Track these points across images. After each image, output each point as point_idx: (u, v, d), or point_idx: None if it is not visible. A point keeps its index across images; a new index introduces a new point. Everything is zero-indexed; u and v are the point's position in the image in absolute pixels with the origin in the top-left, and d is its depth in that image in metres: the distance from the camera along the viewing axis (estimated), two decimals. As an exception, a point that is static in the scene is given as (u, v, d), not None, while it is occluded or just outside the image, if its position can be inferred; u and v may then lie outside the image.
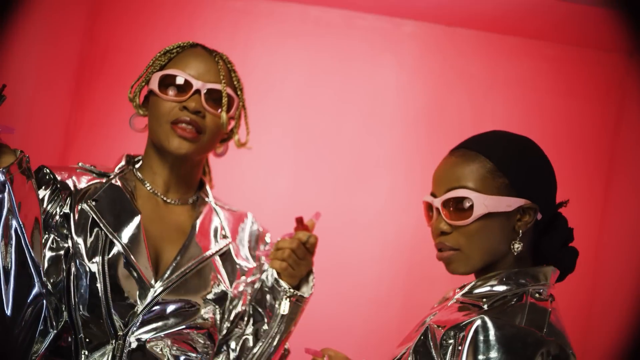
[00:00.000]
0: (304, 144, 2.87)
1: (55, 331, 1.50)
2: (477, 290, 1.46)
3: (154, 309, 1.54)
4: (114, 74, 2.87)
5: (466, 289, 1.48)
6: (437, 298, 2.86)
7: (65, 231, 1.54)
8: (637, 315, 2.44)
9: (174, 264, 1.58)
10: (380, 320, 2.88)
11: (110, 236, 1.53)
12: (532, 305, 1.40)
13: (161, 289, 1.55)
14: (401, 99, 2.92)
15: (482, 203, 1.43)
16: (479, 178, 1.46)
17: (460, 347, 1.34)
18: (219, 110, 1.61)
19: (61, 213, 1.55)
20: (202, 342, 1.59)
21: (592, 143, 2.89)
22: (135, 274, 1.54)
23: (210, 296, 1.60)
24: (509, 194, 1.45)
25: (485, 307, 1.41)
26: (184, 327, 1.56)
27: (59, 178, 1.58)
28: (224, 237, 1.66)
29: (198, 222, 1.64)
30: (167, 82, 1.61)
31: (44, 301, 1.41)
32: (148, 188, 1.65)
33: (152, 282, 1.54)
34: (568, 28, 2.65)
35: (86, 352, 1.52)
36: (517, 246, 1.46)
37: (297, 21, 2.90)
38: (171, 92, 1.60)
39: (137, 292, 1.54)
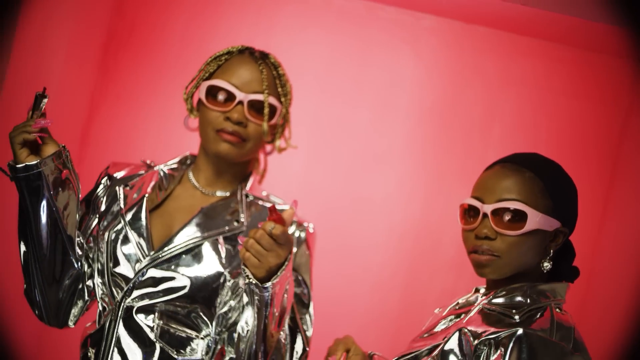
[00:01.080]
0: (319, 130, 2.96)
1: (88, 298, 1.75)
2: (502, 300, 1.55)
3: (144, 280, 1.69)
4: (140, 48, 2.96)
5: (491, 297, 1.56)
6: (437, 286, 2.96)
7: (98, 213, 1.75)
8: (630, 325, 2.54)
9: (167, 241, 1.71)
10: (381, 304, 2.98)
11: (120, 214, 1.72)
12: (559, 320, 1.50)
13: (148, 262, 1.69)
14: (416, 90, 3.00)
15: (535, 219, 1.53)
16: (532, 195, 1.55)
17: (494, 357, 1.43)
18: (262, 119, 1.72)
19: (101, 198, 1.77)
20: (193, 318, 1.70)
21: (596, 147, 2.97)
22: (131, 248, 1.70)
23: (202, 274, 1.69)
24: (552, 215, 1.55)
25: (517, 318, 1.50)
26: (171, 300, 1.68)
27: (113, 171, 1.80)
28: (237, 221, 1.75)
29: (208, 206, 1.75)
30: (213, 91, 1.73)
31: (79, 272, 1.70)
32: (192, 182, 1.80)
33: (143, 256, 1.69)
34: (581, 33, 2.72)
35: (101, 317, 1.72)
36: (547, 265, 1.58)
37: (321, 10, 2.97)
38: (217, 101, 1.73)
39: (131, 265, 1.70)
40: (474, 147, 3.00)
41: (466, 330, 1.50)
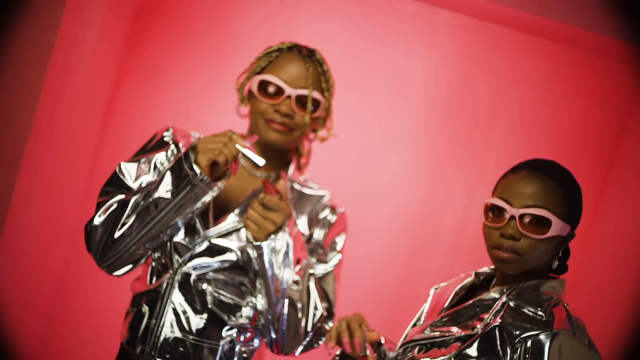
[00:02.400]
0: (334, 113, 3.10)
1: (143, 261, 1.91)
2: (527, 296, 1.68)
3: (201, 251, 1.86)
4: (167, 23, 3.07)
5: (514, 292, 1.69)
6: (434, 268, 3.12)
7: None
8: (616, 317, 2.69)
9: (223, 217, 1.89)
10: (380, 281, 3.14)
11: None
12: (575, 318, 1.66)
13: (206, 235, 1.86)
14: (427, 81, 3.13)
15: (557, 227, 1.67)
16: (556, 204, 1.68)
17: (522, 354, 1.59)
18: (305, 111, 1.89)
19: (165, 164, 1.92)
20: (241, 287, 1.89)
21: (594, 146, 3.12)
22: (192, 221, 1.87)
23: (249, 248, 1.87)
24: (567, 222, 1.69)
25: (543, 315, 1.64)
26: (224, 270, 1.87)
27: (177, 138, 1.95)
28: None
29: (258, 188, 1.91)
30: (264, 85, 1.89)
31: None
32: (241, 162, 1.94)
33: (202, 229, 1.86)
34: (587, 37, 2.85)
35: (155, 278, 1.89)
36: (555, 263, 1.73)
37: None
38: (267, 94, 1.89)
39: (191, 235, 1.86)
40: (479, 139, 3.16)
41: (503, 327, 1.63)
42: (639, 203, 2.84)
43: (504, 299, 1.69)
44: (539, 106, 3.15)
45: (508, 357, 1.61)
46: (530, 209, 1.67)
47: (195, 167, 1.74)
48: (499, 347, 1.63)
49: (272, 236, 1.77)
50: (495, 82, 3.14)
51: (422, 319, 1.85)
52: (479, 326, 1.66)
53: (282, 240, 1.79)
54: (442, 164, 3.17)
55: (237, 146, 1.77)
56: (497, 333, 1.63)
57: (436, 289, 1.89)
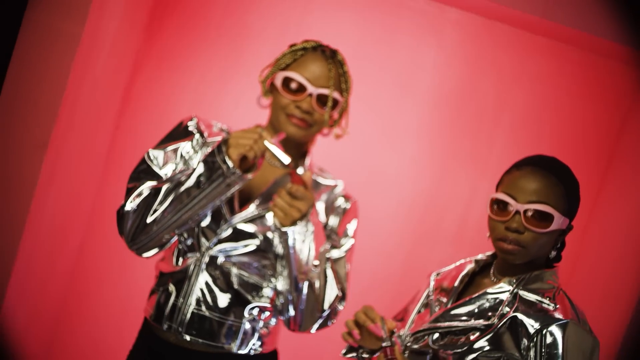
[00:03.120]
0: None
1: (170, 244, 2.02)
2: (536, 286, 1.80)
3: (227, 235, 1.99)
4: (183, 15, 3.15)
5: (523, 282, 1.80)
6: (437, 257, 3.21)
7: (188, 167, 2.02)
8: (609, 305, 2.78)
9: (248, 205, 2.00)
10: (384, 269, 3.23)
11: None
12: (577, 306, 1.79)
13: (232, 221, 1.98)
14: (435, 76, 3.22)
15: (558, 221, 1.78)
16: (558, 200, 1.79)
17: (542, 345, 1.71)
18: (325, 110, 1.99)
19: (191, 152, 2.04)
20: (264, 269, 2.01)
21: (594, 143, 3.21)
22: (219, 207, 1.98)
23: (272, 235, 1.99)
24: (566, 216, 1.81)
25: (552, 306, 1.75)
26: (248, 254, 1.99)
27: (202, 128, 2.05)
28: None
29: (279, 178, 2.02)
30: (288, 82, 1.99)
31: None
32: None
33: (229, 216, 1.98)
34: (590, 38, 2.94)
35: (181, 259, 2.01)
36: (554, 253, 1.85)
37: None
38: (290, 90, 1.98)
39: (217, 221, 1.98)
40: (483, 133, 3.24)
41: (519, 319, 1.74)
42: (636, 198, 2.93)
43: (514, 289, 1.80)
44: (541, 104, 3.24)
45: (524, 346, 1.72)
46: (534, 204, 1.77)
47: (227, 160, 1.85)
48: (516, 337, 1.74)
49: (297, 223, 1.89)
50: (500, 79, 3.23)
51: (431, 306, 1.93)
52: (495, 317, 1.76)
53: (305, 227, 1.91)
54: (446, 158, 3.26)
55: (266, 143, 1.87)
56: (514, 324, 1.74)
57: (437, 275, 1.99)
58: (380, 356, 1.80)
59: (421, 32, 3.21)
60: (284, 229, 1.90)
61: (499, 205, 1.82)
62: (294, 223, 1.89)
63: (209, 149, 1.95)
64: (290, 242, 1.91)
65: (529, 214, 1.78)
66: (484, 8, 3.07)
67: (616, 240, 2.99)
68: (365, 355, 1.89)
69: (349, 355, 1.96)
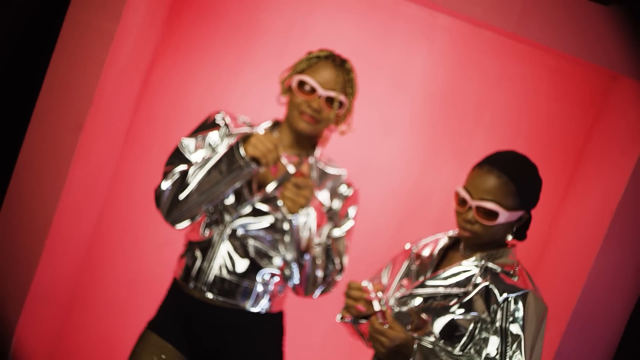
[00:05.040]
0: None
1: (199, 218, 2.34)
2: (500, 261, 2.09)
3: (246, 212, 2.33)
4: (200, 9, 3.37)
5: (488, 257, 2.09)
6: (421, 237, 3.49)
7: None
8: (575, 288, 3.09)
9: (265, 187, 2.33)
10: (372, 249, 3.48)
11: None
12: (532, 279, 2.09)
13: (250, 200, 2.32)
14: (425, 76, 3.44)
15: (504, 216, 2.07)
16: (506, 198, 2.06)
17: (508, 309, 2.01)
18: (331, 109, 2.32)
19: (217, 141, 2.36)
20: (276, 242, 2.33)
21: (566, 141, 3.45)
22: (240, 189, 2.31)
23: (280, 216, 2.32)
24: (517, 209, 2.08)
25: (516, 279, 2.05)
26: (263, 228, 2.33)
27: (228, 121, 2.36)
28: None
29: (300, 162, 2.35)
30: (302, 84, 2.31)
31: None
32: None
33: (247, 195, 2.31)
34: (567, 46, 3.14)
35: (208, 230, 2.36)
36: (509, 237, 2.14)
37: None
38: (303, 91, 2.30)
39: (238, 200, 2.32)
40: (466, 130, 3.48)
41: (490, 288, 2.04)
42: (602, 190, 3.19)
43: (484, 263, 2.10)
44: (520, 103, 3.47)
45: (493, 310, 2.04)
46: (482, 202, 2.07)
47: (245, 156, 2.19)
48: (487, 302, 2.05)
49: (303, 208, 2.21)
50: (483, 80, 3.46)
51: (413, 274, 2.22)
52: (470, 285, 2.07)
53: (307, 211, 2.24)
54: (432, 150, 3.49)
55: (281, 158, 2.20)
56: (485, 292, 2.05)
57: (416, 247, 2.29)
58: (374, 319, 1.99)
59: (413, 36, 3.42)
60: (292, 216, 2.22)
61: (459, 199, 2.12)
62: (301, 208, 2.21)
63: (234, 140, 2.28)
64: (297, 224, 2.25)
65: (479, 209, 2.07)
66: (470, 15, 3.31)
67: (582, 228, 3.25)
68: (361, 320, 2.07)
69: (344, 321, 2.20)
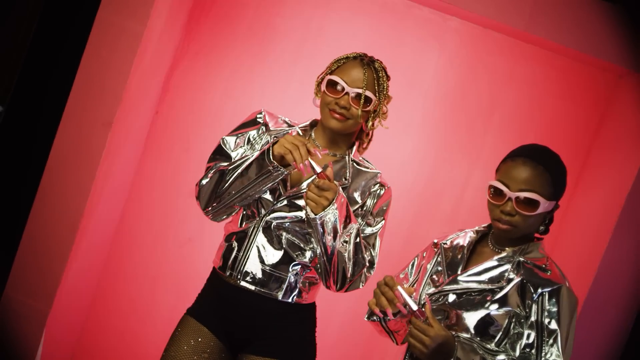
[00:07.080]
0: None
1: (236, 211, 2.43)
2: (532, 255, 2.10)
3: (281, 206, 2.40)
4: (218, 15, 3.45)
5: (521, 251, 2.10)
6: (434, 234, 3.51)
7: (253, 151, 2.40)
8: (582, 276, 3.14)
9: (299, 184, 2.40)
10: (387, 245, 3.46)
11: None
12: (562, 272, 2.11)
13: (285, 196, 2.39)
14: (437, 77, 3.52)
15: (544, 205, 2.08)
16: (544, 187, 2.07)
17: (543, 304, 2.03)
18: (359, 106, 2.38)
19: (257, 139, 2.44)
20: (306, 235, 2.40)
21: (574, 140, 3.52)
22: (275, 184, 2.37)
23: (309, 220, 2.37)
24: (552, 199, 2.11)
25: (549, 272, 2.06)
26: (295, 222, 2.39)
27: (267, 120, 2.45)
28: (344, 179, 2.42)
29: (326, 165, 2.38)
30: (331, 83, 2.39)
31: None
32: (315, 143, 2.45)
33: (282, 191, 2.39)
34: (577, 43, 3.21)
35: (244, 222, 2.45)
36: (542, 229, 2.16)
37: (368, 2, 3.51)
38: (333, 90, 2.37)
39: (274, 194, 2.40)
40: (477, 128, 3.56)
41: (525, 283, 2.06)
42: (609, 185, 3.25)
43: (517, 258, 2.12)
44: (529, 103, 3.53)
45: (528, 305, 2.06)
46: (523, 192, 2.08)
47: (272, 158, 2.27)
48: (522, 297, 2.07)
49: (326, 209, 2.26)
50: (493, 81, 3.53)
51: (444, 271, 2.22)
52: (504, 280, 2.09)
53: (332, 211, 2.28)
54: (445, 148, 3.56)
55: (310, 160, 2.25)
56: (518, 286, 2.07)
57: (445, 243, 2.28)
58: (413, 319, 2.00)
59: (425, 38, 3.50)
60: (313, 216, 2.26)
61: (495, 191, 2.12)
62: (324, 209, 2.26)
63: (272, 139, 2.38)
64: (322, 224, 2.27)
65: (519, 200, 2.07)
66: (481, 18, 3.38)
67: (591, 223, 3.31)
68: (389, 318, 2.09)
69: (372, 319, 2.25)
